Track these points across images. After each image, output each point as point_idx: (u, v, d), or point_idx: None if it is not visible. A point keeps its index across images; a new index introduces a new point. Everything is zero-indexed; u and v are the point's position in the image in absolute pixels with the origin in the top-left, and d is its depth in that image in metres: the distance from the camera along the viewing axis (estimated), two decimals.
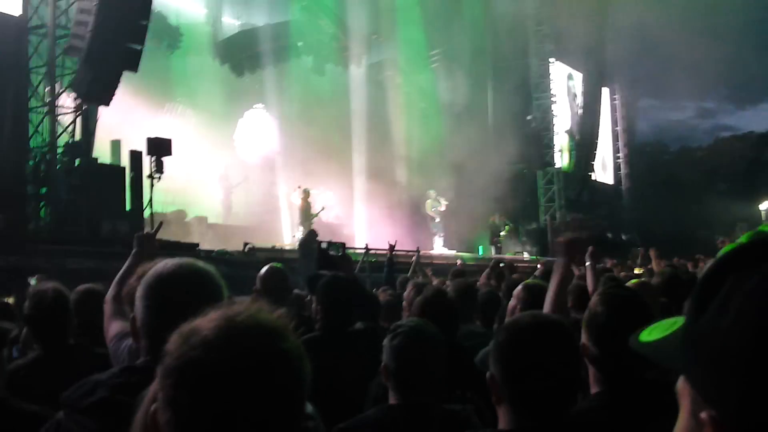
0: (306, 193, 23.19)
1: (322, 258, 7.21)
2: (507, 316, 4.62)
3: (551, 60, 34.79)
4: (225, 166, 24.86)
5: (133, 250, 4.05)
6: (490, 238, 29.03)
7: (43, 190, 16.95)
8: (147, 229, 4.41)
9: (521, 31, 33.19)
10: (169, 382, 1.38)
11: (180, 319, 1.46)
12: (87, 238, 15.39)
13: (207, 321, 1.41)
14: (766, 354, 0.91)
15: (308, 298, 6.84)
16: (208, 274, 2.39)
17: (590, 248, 5.67)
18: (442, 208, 26.40)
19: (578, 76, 36.98)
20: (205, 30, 26.60)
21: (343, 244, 7.25)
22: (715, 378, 0.95)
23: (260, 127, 28.25)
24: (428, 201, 26.66)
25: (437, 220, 26.14)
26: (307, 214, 22.82)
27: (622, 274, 11.03)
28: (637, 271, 14.61)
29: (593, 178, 36.65)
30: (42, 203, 16.92)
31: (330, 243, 7.88)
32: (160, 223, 4.41)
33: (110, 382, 2.29)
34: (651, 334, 1.09)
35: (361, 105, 28.84)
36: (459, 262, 21.41)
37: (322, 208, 23.66)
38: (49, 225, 16.50)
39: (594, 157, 36.10)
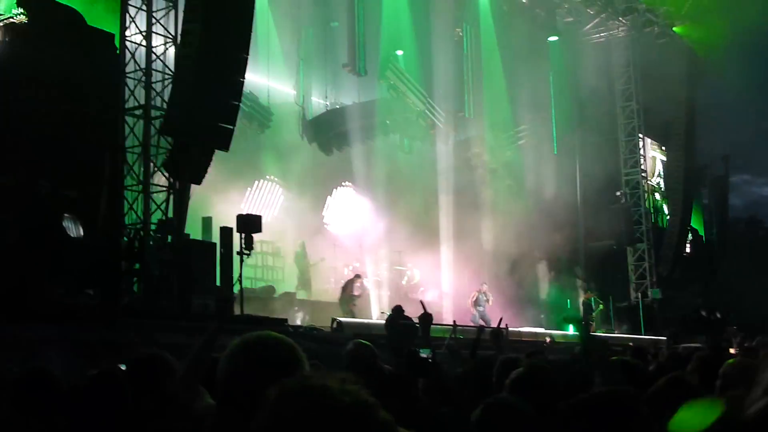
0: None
1: (411, 361, 6.98)
2: None
3: (639, 135, 34.47)
4: (300, 244, 24.92)
5: (211, 327, 3.86)
6: (582, 316, 28.50)
7: (137, 265, 17.29)
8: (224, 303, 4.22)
9: (609, 107, 33.08)
10: None
11: (264, 383, 1.45)
12: (177, 314, 15.60)
13: (297, 388, 1.38)
14: None
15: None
16: (291, 344, 2.43)
17: None
18: (489, 304, 25.61)
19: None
20: (294, 110, 27.09)
21: (433, 350, 7.02)
22: None
23: (349, 205, 28.54)
24: (477, 295, 25.76)
25: (480, 309, 25.28)
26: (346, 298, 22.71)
27: None
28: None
29: (685, 254, 35.87)
30: (135, 279, 17.26)
31: (420, 346, 7.57)
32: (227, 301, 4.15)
33: None
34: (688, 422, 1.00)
35: (448, 182, 28.96)
36: (548, 339, 21.12)
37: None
38: (141, 300, 16.79)
39: (686, 233, 35.39)
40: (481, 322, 23.40)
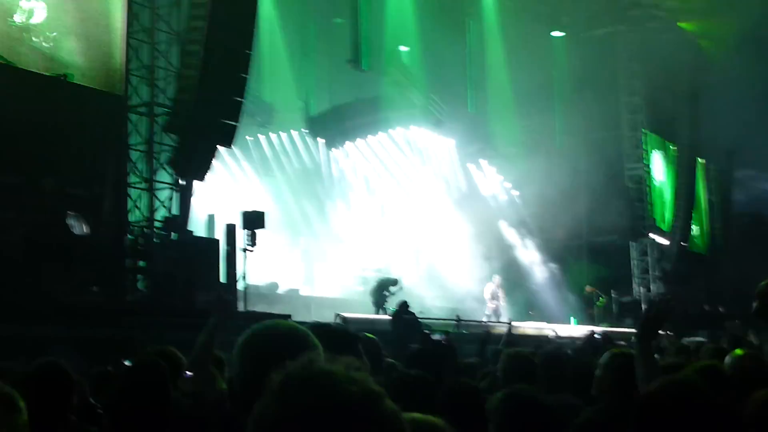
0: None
1: (425, 343, 6.99)
2: (594, 386, 4.41)
3: (643, 130, 34.41)
4: (304, 240, 24.95)
5: (210, 320, 3.97)
6: (584, 309, 28.54)
7: (141, 263, 17.30)
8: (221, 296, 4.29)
9: (613, 102, 33.02)
10: None
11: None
12: (183, 310, 15.59)
13: (302, 374, 1.37)
14: None
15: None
16: (304, 331, 2.37)
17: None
18: (501, 297, 25.47)
19: (671, 147, 36.55)
20: (297, 106, 27.04)
21: (447, 332, 7.03)
22: None
23: (354, 201, 28.52)
24: (493, 287, 25.55)
25: (493, 306, 25.16)
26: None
27: None
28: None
29: (689, 249, 35.81)
30: (139, 276, 17.26)
31: (433, 329, 7.58)
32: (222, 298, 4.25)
33: None
34: None
35: (453, 177, 28.96)
36: (552, 333, 21.09)
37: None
38: (146, 297, 16.79)
39: (690, 228, 35.38)
40: (492, 318, 23.55)
